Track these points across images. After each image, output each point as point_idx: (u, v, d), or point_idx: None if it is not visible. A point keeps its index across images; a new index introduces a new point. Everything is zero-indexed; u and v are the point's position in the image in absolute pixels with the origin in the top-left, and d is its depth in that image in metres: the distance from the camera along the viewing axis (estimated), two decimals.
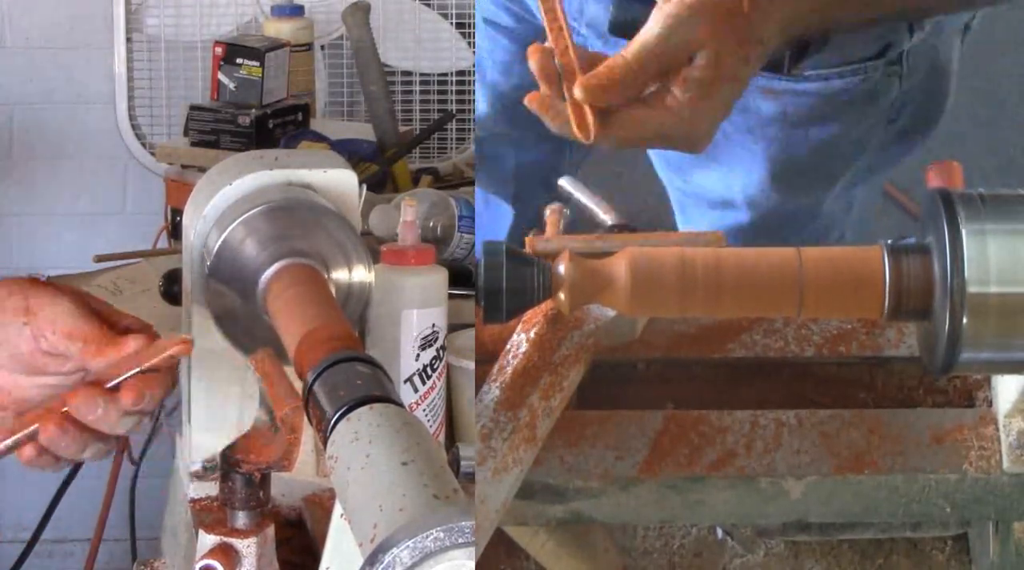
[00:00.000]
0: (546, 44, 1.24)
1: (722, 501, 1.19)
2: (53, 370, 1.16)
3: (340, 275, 1.37)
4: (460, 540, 0.90)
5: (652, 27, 1.20)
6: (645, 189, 1.94)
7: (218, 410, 1.40)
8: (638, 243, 1.21)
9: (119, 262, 2.20)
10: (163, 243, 2.60)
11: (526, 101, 1.21)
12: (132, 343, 1.13)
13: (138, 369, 1.12)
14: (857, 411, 1.22)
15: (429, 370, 1.42)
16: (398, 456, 0.98)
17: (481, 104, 1.85)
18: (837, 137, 1.61)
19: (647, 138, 1.21)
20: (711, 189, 1.67)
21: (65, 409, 1.12)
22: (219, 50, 2.47)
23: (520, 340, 1.18)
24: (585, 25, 1.67)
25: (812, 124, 1.57)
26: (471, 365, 1.47)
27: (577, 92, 1.19)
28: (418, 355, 1.42)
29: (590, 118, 1.18)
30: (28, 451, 1.12)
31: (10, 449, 1.11)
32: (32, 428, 1.11)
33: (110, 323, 1.16)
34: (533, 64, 1.21)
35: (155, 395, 1.12)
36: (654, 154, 1.70)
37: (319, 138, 2.42)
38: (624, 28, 1.63)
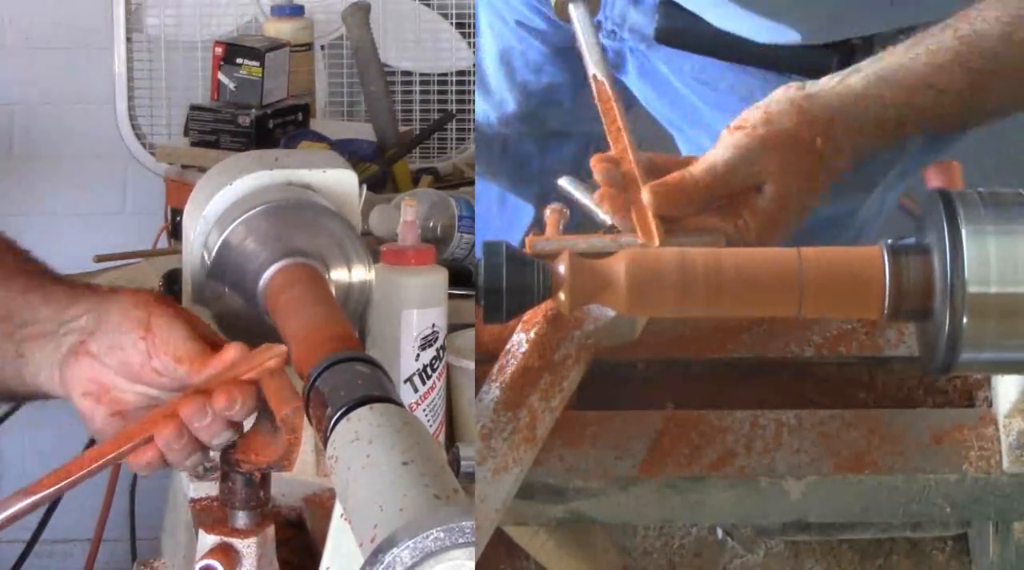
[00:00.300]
0: (609, 153, 1.25)
1: (722, 501, 1.19)
2: (156, 384, 1.20)
3: (340, 275, 1.37)
4: (460, 540, 0.90)
5: (721, 152, 1.20)
6: None
7: None
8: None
9: (119, 262, 2.21)
10: (163, 243, 2.60)
11: (597, 200, 1.21)
12: (230, 352, 1.16)
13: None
14: (857, 411, 1.22)
15: (429, 370, 1.42)
16: (398, 456, 0.98)
17: (510, 104, 1.86)
18: None
19: (715, 244, 1.21)
20: None
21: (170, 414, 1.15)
22: (219, 50, 2.47)
23: (520, 340, 1.18)
24: (628, 30, 1.68)
25: None
26: (471, 365, 1.47)
27: (645, 196, 1.19)
28: (418, 355, 1.42)
29: (652, 223, 1.18)
30: (151, 454, 1.14)
31: (129, 451, 1.14)
32: (148, 435, 1.14)
33: (213, 345, 1.19)
34: (598, 174, 1.22)
35: (246, 404, 1.14)
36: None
37: (319, 138, 2.42)
38: (670, 36, 1.65)
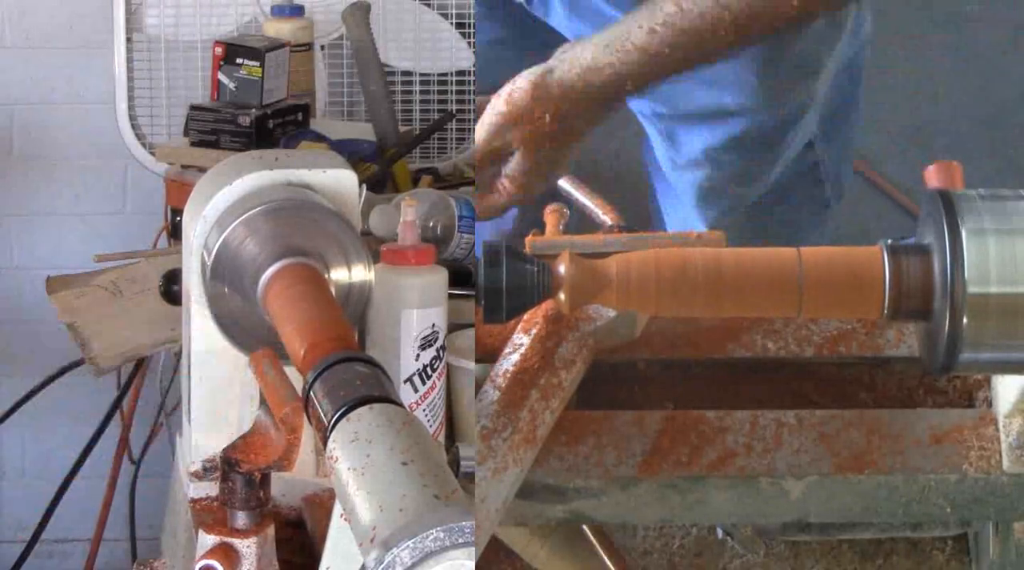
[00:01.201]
0: None
1: (722, 501, 1.19)
2: None
3: (340, 275, 1.37)
4: (460, 540, 0.90)
5: (478, 132, 1.47)
6: (643, 189, 1.94)
7: (218, 410, 1.40)
8: (638, 243, 1.21)
9: (119, 262, 2.20)
10: (163, 243, 2.60)
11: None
12: None
13: None
14: (857, 411, 1.22)
15: (429, 370, 1.42)
16: (398, 456, 0.98)
17: None
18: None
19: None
20: (704, 104, 1.82)
21: None
22: (219, 50, 2.47)
23: (520, 340, 1.18)
24: None
25: None
26: (471, 365, 1.47)
27: None
28: (418, 355, 1.41)
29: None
30: None
31: None
32: None
33: None
34: None
35: None
36: (635, 103, 1.85)
37: (319, 138, 2.42)
38: None
